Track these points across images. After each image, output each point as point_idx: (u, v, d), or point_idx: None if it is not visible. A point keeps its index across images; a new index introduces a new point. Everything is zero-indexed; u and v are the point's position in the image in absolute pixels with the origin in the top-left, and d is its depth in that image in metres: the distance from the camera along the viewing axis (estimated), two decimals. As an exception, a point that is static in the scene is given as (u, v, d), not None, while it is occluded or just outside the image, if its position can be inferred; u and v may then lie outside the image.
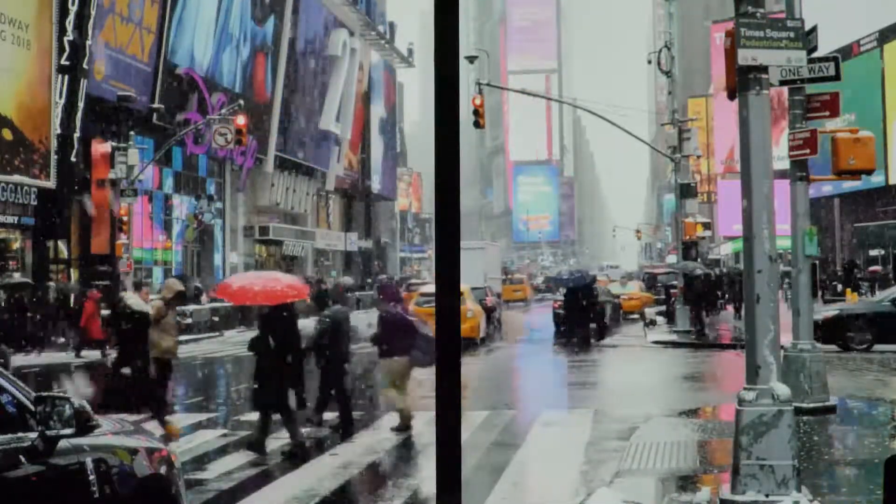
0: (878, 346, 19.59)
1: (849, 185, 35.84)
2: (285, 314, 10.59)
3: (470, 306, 24.20)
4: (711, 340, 25.10)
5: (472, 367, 18.83)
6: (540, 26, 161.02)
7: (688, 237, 29.72)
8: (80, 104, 31.51)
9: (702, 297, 28.57)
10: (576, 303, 25.73)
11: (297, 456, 10.11)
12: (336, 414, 11.94)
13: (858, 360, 18.11)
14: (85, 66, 31.69)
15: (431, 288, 19.55)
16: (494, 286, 39.07)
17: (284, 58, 51.66)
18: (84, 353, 23.89)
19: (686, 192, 29.23)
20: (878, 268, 39.27)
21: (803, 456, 8.38)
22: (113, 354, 13.36)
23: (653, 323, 30.97)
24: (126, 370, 11.33)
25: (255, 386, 10.64)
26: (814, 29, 11.16)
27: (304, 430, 11.25)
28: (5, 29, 28.76)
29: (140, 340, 11.44)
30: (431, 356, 11.95)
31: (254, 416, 10.99)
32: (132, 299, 11.90)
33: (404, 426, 11.48)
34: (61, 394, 4.64)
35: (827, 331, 19.04)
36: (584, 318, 25.52)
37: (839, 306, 23.20)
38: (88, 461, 4.70)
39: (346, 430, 11.63)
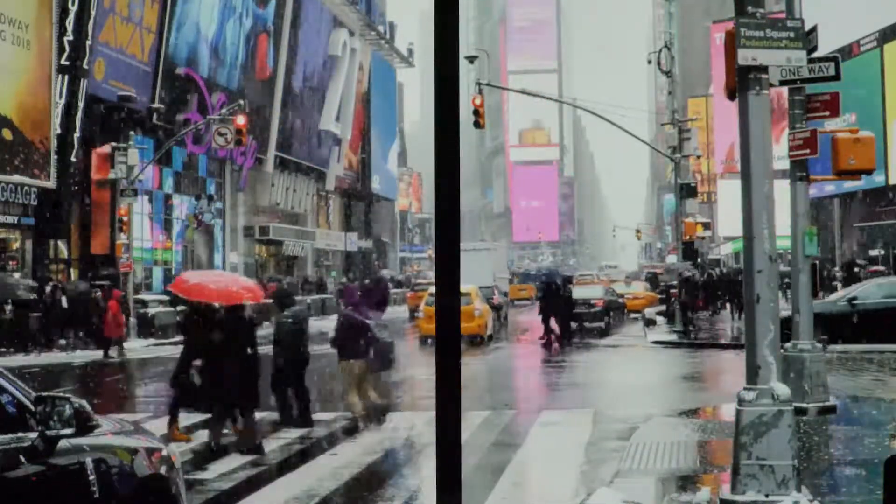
0: (834, 347, 19.67)
1: (849, 184, 35.83)
2: (241, 316, 10.70)
3: (478, 305, 24.59)
4: (698, 340, 24.99)
5: (476, 366, 18.89)
6: (540, 26, 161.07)
7: (688, 237, 29.74)
8: (80, 104, 31.51)
9: (689, 297, 28.83)
10: (549, 301, 25.71)
11: (211, 453, 10.21)
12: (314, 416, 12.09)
13: (858, 359, 18.12)
14: (85, 66, 31.69)
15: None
16: (501, 285, 40.09)
17: (284, 60, 51.66)
18: (111, 351, 24.24)
19: (686, 192, 29.26)
20: (879, 267, 39.26)
21: (803, 456, 8.38)
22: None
23: (652, 322, 30.98)
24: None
25: (198, 383, 10.83)
26: (814, 29, 11.16)
27: (298, 433, 11.34)
28: (5, 29, 28.76)
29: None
30: (387, 360, 12.16)
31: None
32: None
33: (353, 427, 11.60)
34: (61, 394, 4.64)
35: (782, 331, 19.09)
36: (557, 316, 25.37)
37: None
38: (88, 461, 4.70)
39: (304, 422, 11.82)
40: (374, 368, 11.96)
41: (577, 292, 29.11)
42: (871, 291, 20.80)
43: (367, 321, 11.92)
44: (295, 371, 11.94)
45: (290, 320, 11.95)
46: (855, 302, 20.19)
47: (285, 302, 12.34)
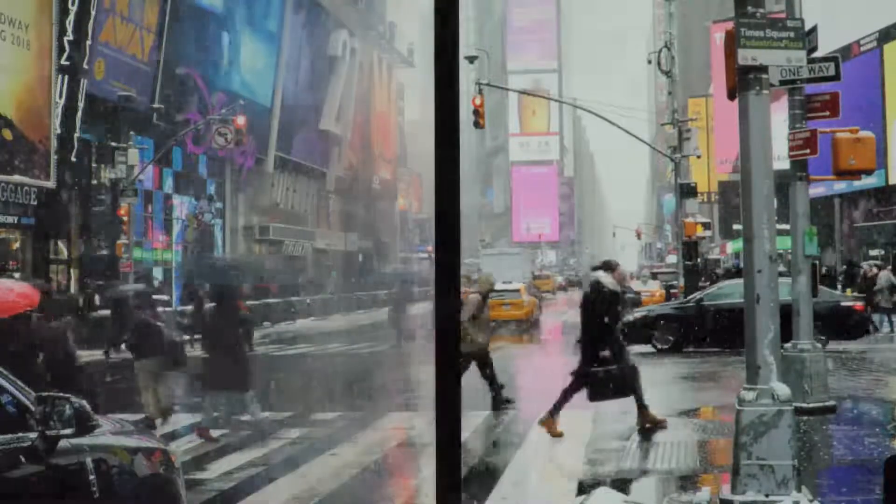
0: (687, 348, 19.85)
1: (856, 183, 35.80)
2: (22, 327, 8.74)
3: (525, 298, 31.27)
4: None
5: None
6: (540, 26, 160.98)
7: (688, 237, 29.74)
8: (80, 104, 31.51)
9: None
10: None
11: None
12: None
13: (858, 359, 18.12)
14: (85, 66, 31.69)
15: (503, 286, 29.13)
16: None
17: (284, 60, 51.65)
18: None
19: (686, 192, 29.27)
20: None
21: (803, 456, 8.38)
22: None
23: None
24: (605, 352, 10.87)
25: None
26: (814, 29, 11.16)
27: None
28: (5, 29, 28.75)
29: (613, 319, 11.17)
30: (177, 360, 12.30)
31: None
32: (606, 279, 11.31)
33: (152, 424, 11.60)
34: (61, 394, 4.64)
35: (634, 331, 19.33)
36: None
37: (649, 307, 23.68)
38: (88, 461, 4.70)
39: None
40: (169, 367, 12.15)
41: None
42: (717, 293, 20.86)
43: (160, 323, 12.33)
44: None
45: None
46: (702, 304, 20.31)
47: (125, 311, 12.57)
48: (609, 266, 11.50)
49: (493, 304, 27.65)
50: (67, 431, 4.50)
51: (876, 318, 23.41)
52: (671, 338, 20.19)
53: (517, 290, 31.00)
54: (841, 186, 42.13)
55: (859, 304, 20.26)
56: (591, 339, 10.96)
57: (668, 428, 10.79)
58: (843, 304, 19.96)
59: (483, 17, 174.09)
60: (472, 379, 12.22)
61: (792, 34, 7.05)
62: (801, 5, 11.35)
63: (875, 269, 26.51)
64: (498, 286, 28.48)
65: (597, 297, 11.03)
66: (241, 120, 30.61)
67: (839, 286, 30.16)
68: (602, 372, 10.71)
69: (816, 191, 34.96)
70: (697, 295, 21.86)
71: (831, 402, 11.53)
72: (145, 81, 37.02)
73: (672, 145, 29.52)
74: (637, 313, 21.17)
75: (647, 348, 20.05)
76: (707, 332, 19.71)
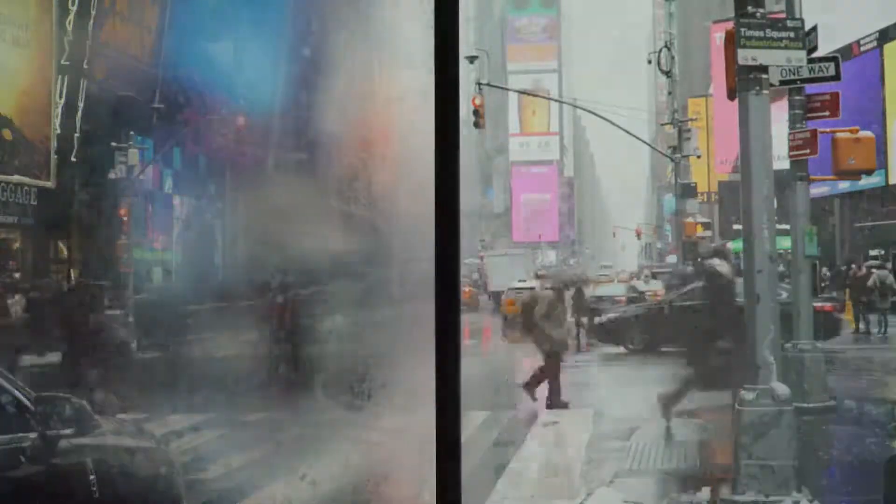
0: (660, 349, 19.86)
1: (849, 184, 35.78)
2: None
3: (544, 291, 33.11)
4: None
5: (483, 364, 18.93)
6: (540, 26, 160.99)
7: (688, 237, 29.75)
8: (80, 104, 31.50)
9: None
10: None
11: None
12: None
13: (859, 359, 18.11)
14: (85, 66, 31.68)
15: (519, 283, 30.79)
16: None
17: (285, 58, 51.62)
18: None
19: (686, 192, 29.28)
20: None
21: (803, 456, 8.38)
22: None
23: None
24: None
25: None
26: (814, 29, 11.15)
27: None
28: (5, 29, 28.74)
29: (723, 304, 10.96)
30: None
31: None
32: (722, 267, 11.20)
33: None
34: (61, 394, 4.64)
35: (605, 332, 19.41)
36: None
37: (624, 308, 23.84)
38: (88, 461, 4.70)
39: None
40: None
41: (601, 290, 29.59)
42: (688, 293, 21.00)
43: None
44: None
45: None
46: (675, 304, 20.36)
47: None
48: (722, 253, 11.28)
49: (509, 301, 30.42)
50: (67, 431, 4.50)
51: (873, 318, 23.39)
52: (644, 338, 20.21)
53: (533, 289, 32.54)
54: (845, 185, 42.17)
55: (829, 306, 20.28)
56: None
57: (669, 428, 10.81)
58: (813, 305, 19.96)
59: (483, 17, 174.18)
60: (472, 379, 12.19)
61: (792, 34, 7.06)
62: (801, 5, 11.34)
63: (864, 270, 26.39)
64: (515, 284, 31.51)
65: (716, 285, 10.83)
66: (241, 120, 30.57)
67: (820, 287, 30.12)
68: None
69: (817, 190, 34.99)
70: (670, 295, 21.90)
71: (831, 402, 11.53)
72: (146, 81, 37.00)
73: (672, 145, 29.51)
74: (610, 314, 21.27)
75: (620, 350, 20.02)
76: (679, 332, 19.72)
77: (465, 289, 48.77)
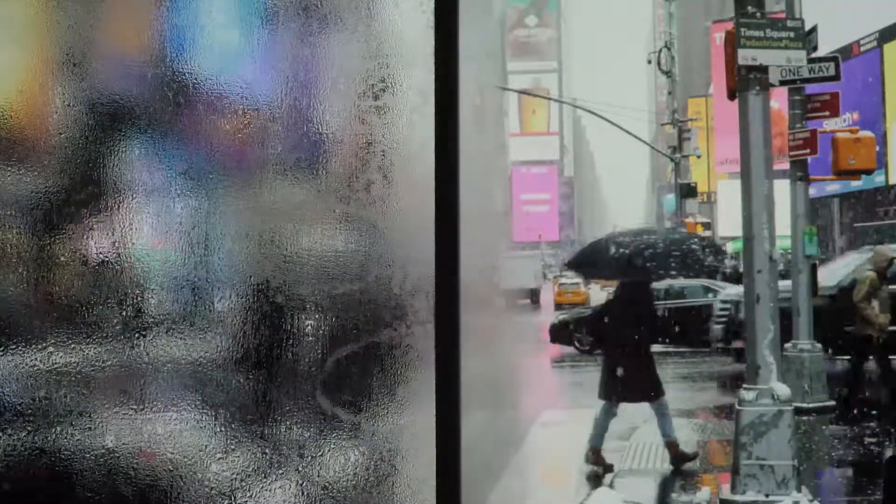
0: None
1: (853, 184, 35.77)
2: None
3: (582, 289, 38.89)
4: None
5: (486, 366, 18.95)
6: (540, 26, 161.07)
7: (688, 237, 29.74)
8: (81, 104, 31.57)
9: None
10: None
11: None
12: None
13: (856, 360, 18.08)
14: (84, 65, 31.76)
15: (566, 279, 39.23)
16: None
17: (286, 58, 51.80)
18: None
19: (686, 192, 29.28)
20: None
21: (803, 456, 8.38)
22: None
23: None
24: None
25: None
26: (814, 29, 11.17)
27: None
28: (5, 29, 28.82)
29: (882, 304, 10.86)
30: None
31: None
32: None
33: None
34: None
35: (556, 334, 19.41)
36: None
37: (577, 308, 24.04)
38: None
39: None
40: None
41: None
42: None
43: None
44: None
45: None
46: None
47: None
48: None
49: (560, 291, 38.31)
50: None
51: None
52: (592, 339, 20.22)
53: (577, 283, 39.25)
54: (858, 183, 42.12)
55: None
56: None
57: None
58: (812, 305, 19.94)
59: (483, 17, 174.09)
60: (472, 379, 12.21)
61: (792, 34, 7.06)
62: (801, 5, 11.36)
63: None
64: (530, 284, 37.74)
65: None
66: (241, 119, 30.70)
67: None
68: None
69: (817, 191, 34.97)
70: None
71: (831, 402, 11.53)
72: (146, 81, 37.10)
73: (672, 145, 29.56)
74: (561, 315, 21.30)
75: (571, 350, 19.99)
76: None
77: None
